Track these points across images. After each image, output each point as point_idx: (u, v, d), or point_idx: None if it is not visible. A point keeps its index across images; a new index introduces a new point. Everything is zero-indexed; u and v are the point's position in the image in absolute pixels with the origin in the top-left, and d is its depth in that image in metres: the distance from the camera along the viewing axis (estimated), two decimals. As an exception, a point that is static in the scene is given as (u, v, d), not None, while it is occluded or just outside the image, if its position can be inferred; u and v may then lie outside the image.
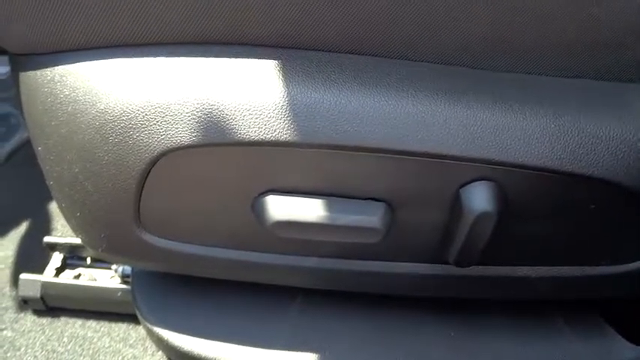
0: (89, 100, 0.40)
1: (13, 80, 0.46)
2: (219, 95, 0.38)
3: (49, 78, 0.41)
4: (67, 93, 0.41)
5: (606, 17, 0.36)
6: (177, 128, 0.38)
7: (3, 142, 1.12)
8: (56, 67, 0.41)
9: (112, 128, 0.39)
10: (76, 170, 0.42)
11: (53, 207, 0.90)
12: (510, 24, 0.37)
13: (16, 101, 0.45)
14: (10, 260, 0.79)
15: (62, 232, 0.83)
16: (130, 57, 0.40)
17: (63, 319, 0.71)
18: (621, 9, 0.36)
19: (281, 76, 0.38)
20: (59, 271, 0.73)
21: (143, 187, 0.41)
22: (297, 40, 0.39)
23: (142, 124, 0.39)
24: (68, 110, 0.41)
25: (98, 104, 0.39)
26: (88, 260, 0.74)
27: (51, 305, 0.71)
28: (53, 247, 0.73)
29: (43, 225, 0.87)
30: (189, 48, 0.39)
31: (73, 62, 0.41)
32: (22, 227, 0.86)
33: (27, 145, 1.09)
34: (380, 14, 0.37)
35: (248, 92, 0.38)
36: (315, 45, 0.39)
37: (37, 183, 0.95)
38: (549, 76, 0.40)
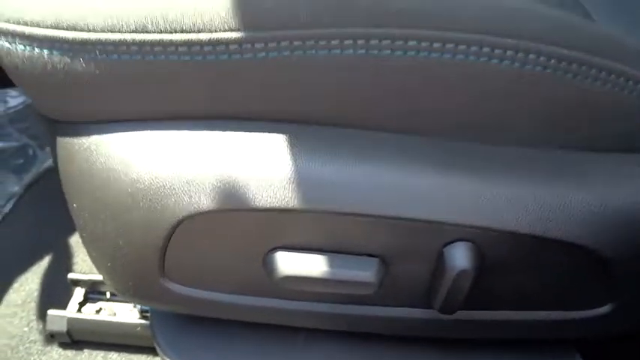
0: (122, 169, 0.45)
1: (49, 141, 0.52)
2: (235, 167, 0.44)
3: (85, 146, 0.47)
4: (102, 161, 0.46)
5: (575, 97, 0.42)
6: (199, 196, 0.44)
7: (21, 174, 1.15)
8: (91, 136, 0.47)
9: (143, 195, 0.45)
10: (109, 229, 0.48)
11: (73, 240, 0.95)
12: (488, 107, 0.43)
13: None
14: (36, 294, 0.85)
15: (83, 267, 0.89)
16: (158, 130, 0.45)
17: (86, 351, 0.77)
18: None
19: (290, 151, 0.44)
20: (81, 305, 0.78)
21: (168, 244, 0.47)
22: (305, 117, 0.45)
23: (169, 192, 0.44)
24: (103, 176, 0.46)
25: (131, 173, 0.45)
26: (108, 294, 0.80)
27: (76, 339, 0.76)
28: (76, 282, 0.79)
29: (64, 258, 0.92)
30: (210, 123, 0.45)
31: (107, 132, 0.46)
32: (45, 261, 0.92)
33: (45, 177, 1.11)
34: (379, 101, 0.43)
35: (261, 164, 0.44)
36: (321, 120, 0.45)
37: (57, 215, 1.00)
38: (522, 147, 0.46)
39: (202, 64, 0.41)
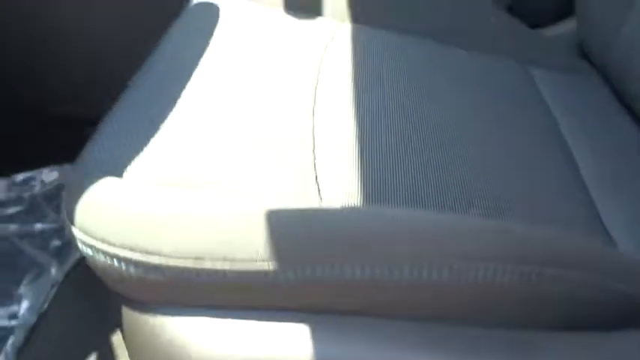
0: (183, 351, 0.57)
1: (118, 310, 0.64)
2: (268, 352, 0.56)
3: (150, 323, 0.59)
4: (166, 338, 0.58)
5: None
6: None
7: (60, 257, 1.17)
8: (157, 316, 0.59)
9: None
10: None
11: (115, 339, 1.05)
12: (471, 305, 0.56)
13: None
14: (83, 396, 0.96)
15: (126, 366, 1.01)
16: (211, 317, 0.57)
17: None
18: None
19: (315, 339, 0.56)
20: (126, 404, 0.91)
21: None
22: (330, 310, 0.57)
23: None
24: (167, 351, 0.58)
25: (190, 353, 0.57)
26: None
27: None
28: (123, 387, 0.91)
29: (107, 355, 1.03)
30: (249, 313, 0.58)
31: (170, 315, 0.58)
32: (91, 358, 1.02)
33: (83, 262, 1.20)
34: (383, 306, 0.56)
35: (289, 351, 0.56)
36: (343, 313, 0.57)
37: (97, 306, 1.08)
38: (504, 329, 0.57)
39: (247, 284, 0.54)
